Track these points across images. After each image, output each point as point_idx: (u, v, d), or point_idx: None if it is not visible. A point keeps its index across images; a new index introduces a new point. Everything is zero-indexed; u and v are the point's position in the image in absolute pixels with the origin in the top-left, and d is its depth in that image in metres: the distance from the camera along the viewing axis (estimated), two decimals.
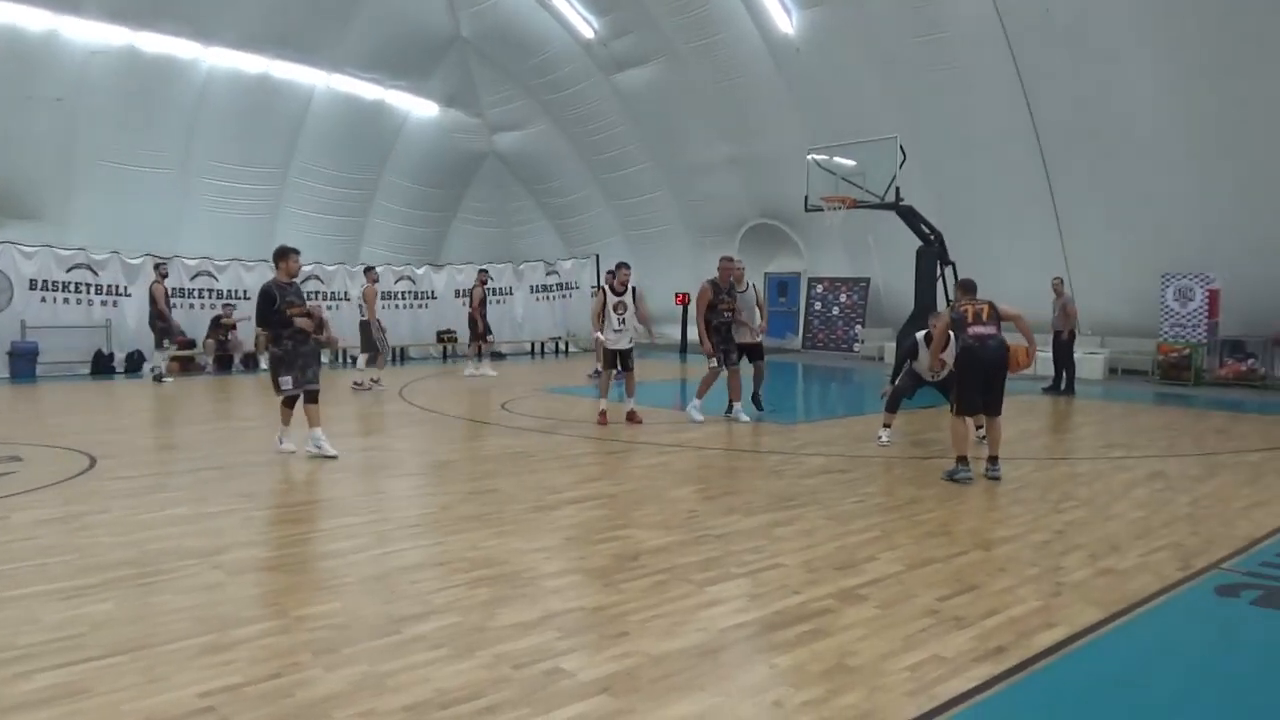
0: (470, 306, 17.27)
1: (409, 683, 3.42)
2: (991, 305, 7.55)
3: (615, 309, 10.65)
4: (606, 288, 10.93)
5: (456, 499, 6.64)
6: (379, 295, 15.87)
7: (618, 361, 10.71)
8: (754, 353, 11.11)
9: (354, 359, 16.83)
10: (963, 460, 7.45)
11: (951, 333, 7.74)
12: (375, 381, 14.59)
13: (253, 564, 4.97)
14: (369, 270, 16.06)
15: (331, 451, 8.28)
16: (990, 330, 7.38)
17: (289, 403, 8.44)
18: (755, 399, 11.14)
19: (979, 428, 8.90)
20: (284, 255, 8.42)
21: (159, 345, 15.78)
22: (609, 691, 3.36)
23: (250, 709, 3.21)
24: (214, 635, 3.88)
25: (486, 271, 18.40)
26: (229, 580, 4.66)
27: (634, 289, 10.96)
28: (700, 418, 10.54)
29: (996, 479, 7.41)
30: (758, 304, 11.30)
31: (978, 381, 7.44)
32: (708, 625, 4.06)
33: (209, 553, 5.13)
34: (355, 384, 14.46)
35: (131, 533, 5.56)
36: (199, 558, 5.03)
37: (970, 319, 7.47)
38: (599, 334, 10.78)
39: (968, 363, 7.45)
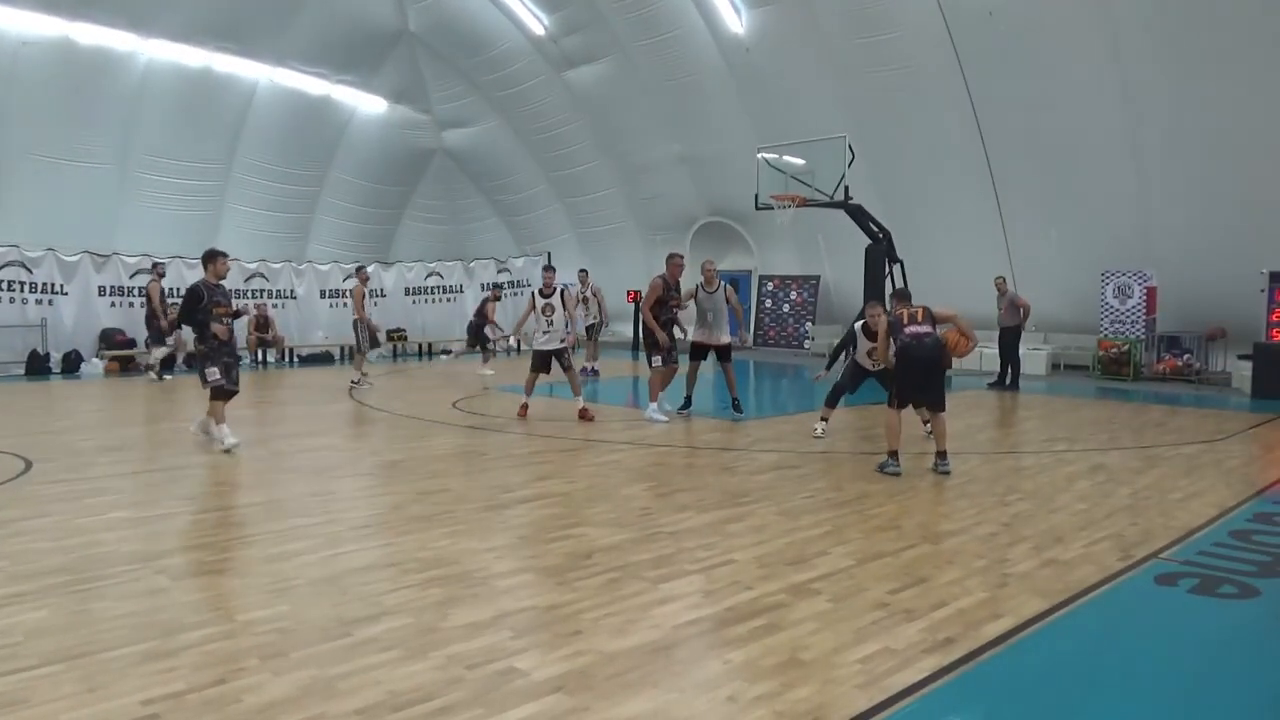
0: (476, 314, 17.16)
1: (360, 686, 3.37)
2: (926, 309, 7.78)
3: (544, 311, 10.90)
4: (535, 291, 11.15)
5: (407, 499, 6.56)
6: (367, 295, 15.75)
7: (549, 363, 10.92)
8: (723, 354, 10.86)
9: (297, 357, 16.53)
10: (894, 454, 7.63)
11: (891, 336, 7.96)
12: (364, 377, 14.38)
13: (197, 568, 4.86)
14: (360, 270, 15.91)
15: (231, 443, 8.43)
16: (925, 329, 7.58)
17: (221, 395, 8.51)
18: (735, 403, 10.92)
19: (925, 422, 9.07)
20: (212, 258, 8.62)
21: (158, 343, 15.96)
22: (563, 690, 3.35)
23: (195, 716, 3.13)
24: (156, 641, 3.78)
25: (500, 287, 18.67)
26: (172, 585, 4.54)
27: (563, 289, 11.31)
28: (663, 417, 10.50)
29: (946, 473, 7.54)
30: (732, 305, 10.88)
31: (915, 378, 7.63)
32: (661, 622, 4.07)
33: (151, 557, 5.00)
34: (352, 383, 14.24)
35: (69, 537, 5.40)
36: (140, 562, 4.90)
37: (905, 320, 7.72)
38: (501, 332, 10.96)
39: (905, 359, 7.63)
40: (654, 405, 10.64)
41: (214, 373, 8.39)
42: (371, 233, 24.05)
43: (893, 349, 7.95)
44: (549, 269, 11.72)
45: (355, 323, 14.68)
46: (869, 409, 11.84)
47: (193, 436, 8.77)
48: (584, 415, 10.60)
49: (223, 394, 8.50)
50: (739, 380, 11.94)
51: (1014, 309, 14.42)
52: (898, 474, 7.49)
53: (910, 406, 8.02)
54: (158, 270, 16.15)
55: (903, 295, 8.29)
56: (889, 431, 7.73)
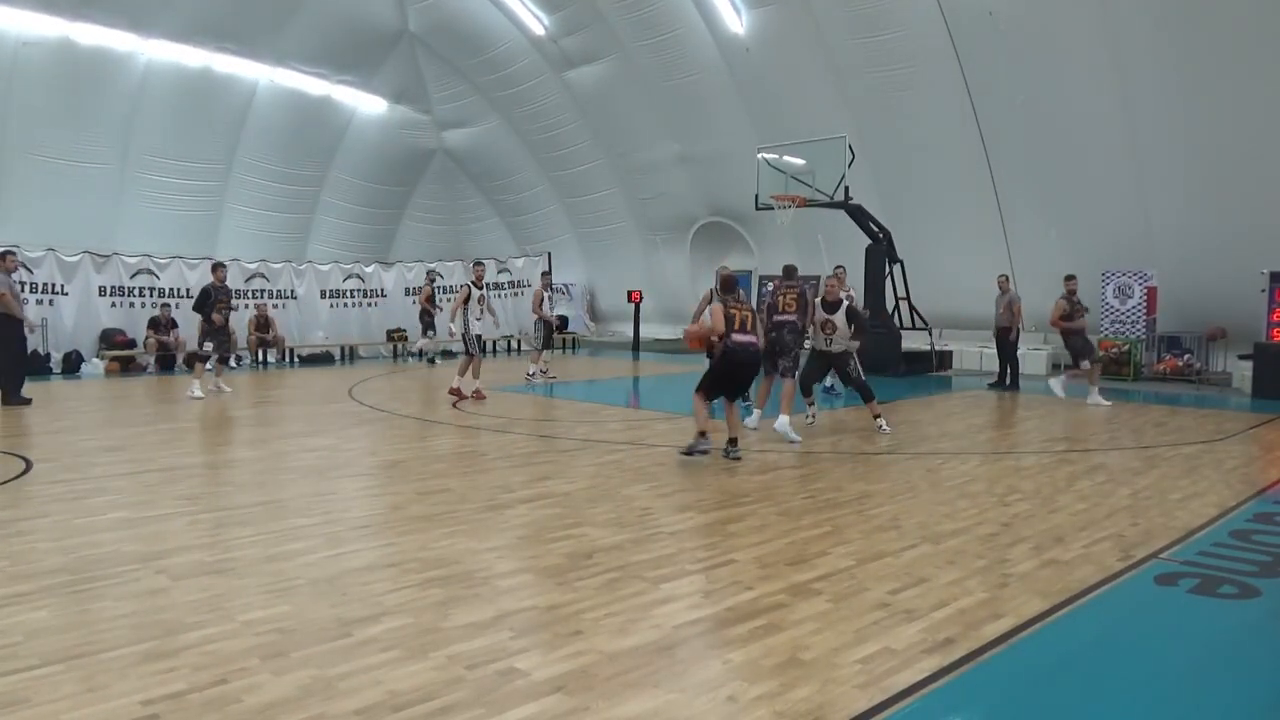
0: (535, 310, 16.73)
1: (360, 686, 3.37)
2: (754, 314, 8.29)
3: (479, 301, 12.65)
4: (470, 284, 12.76)
5: (407, 499, 6.56)
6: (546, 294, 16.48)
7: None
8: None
9: (298, 358, 16.43)
10: (703, 435, 8.00)
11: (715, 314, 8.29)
12: (543, 372, 15.57)
13: (197, 568, 4.85)
14: (477, 264, 15.48)
15: (198, 395, 12.40)
16: (751, 339, 8.09)
17: (203, 360, 12.99)
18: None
19: (811, 403, 10.30)
20: (214, 269, 13.59)
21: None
22: (563, 690, 3.35)
23: (195, 716, 3.13)
24: (156, 642, 3.78)
25: (549, 274, 18.53)
26: (172, 585, 4.54)
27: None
28: (796, 437, 9.14)
29: (737, 459, 7.95)
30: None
31: (727, 383, 8.27)
32: (661, 622, 4.06)
33: (151, 557, 5.00)
34: (529, 375, 15.30)
35: (69, 538, 5.40)
36: (140, 563, 4.90)
37: (737, 325, 8.07)
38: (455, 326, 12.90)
39: (728, 361, 8.10)
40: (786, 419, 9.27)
41: (208, 345, 12.94)
42: (371, 233, 24.07)
43: (846, 328, 9.74)
44: (479, 264, 13.94)
45: (536, 321, 15.89)
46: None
47: (214, 393, 12.76)
48: (477, 395, 12.36)
49: (202, 360, 12.96)
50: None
51: (1010, 310, 14.40)
52: (706, 452, 7.95)
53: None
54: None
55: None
56: (697, 415, 8.14)
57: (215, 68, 19.10)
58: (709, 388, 8.30)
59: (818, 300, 9.98)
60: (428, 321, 19.73)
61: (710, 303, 10.58)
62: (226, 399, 12.70)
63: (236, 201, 20.61)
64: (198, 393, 12.37)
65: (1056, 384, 12.94)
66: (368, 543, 5.42)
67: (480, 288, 12.81)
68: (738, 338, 8.07)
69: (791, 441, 8.85)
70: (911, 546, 5.35)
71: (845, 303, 10.14)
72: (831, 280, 10.19)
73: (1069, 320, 12.65)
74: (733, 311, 8.13)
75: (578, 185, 24.28)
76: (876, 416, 9.81)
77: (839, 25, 17.19)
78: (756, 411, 9.96)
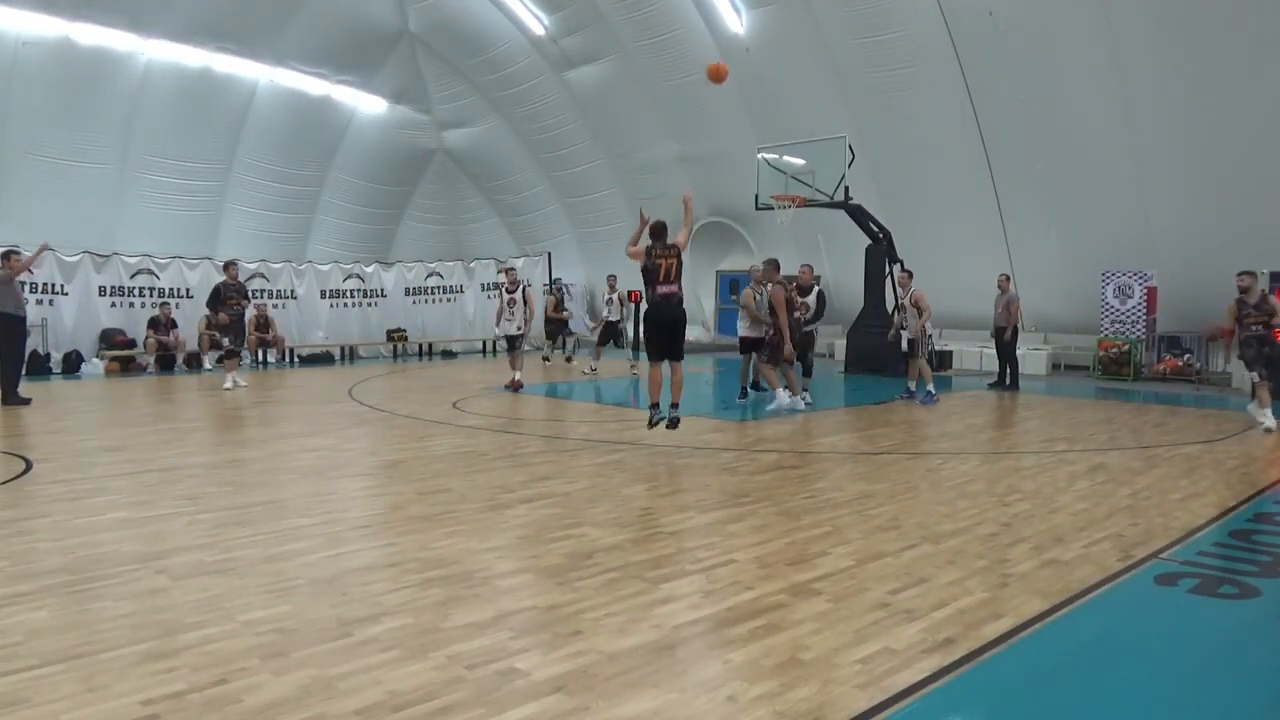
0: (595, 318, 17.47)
1: (360, 686, 3.37)
2: (679, 261, 8.26)
3: (509, 303, 13.88)
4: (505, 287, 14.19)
5: (407, 499, 6.56)
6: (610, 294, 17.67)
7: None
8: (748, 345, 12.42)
9: (298, 358, 16.47)
10: (654, 406, 8.49)
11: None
12: (593, 371, 16.66)
13: (197, 568, 4.85)
14: (609, 277, 17.69)
15: (230, 385, 13.65)
16: (673, 289, 8.18)
17: (230, 356, 14.07)
18: (756, 385, 12.85)
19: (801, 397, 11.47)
20: (226, 267, 14.67)
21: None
22: (563, 690, 3.35)
23: (195, 716, 3.13)
24: (156, 642, 3.78)
25: (615, 276, 18.34)
26: (172, 585, 4.54)
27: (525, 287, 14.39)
28: (802, 405, 11.57)
29: (676, 422, 8.42)
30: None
31: (660, 337, 8.46)
32: (662, 622, 4.06)
33: (151, 557, 5.00)
34: (585, 371, 16.55)
35: (69, 537, 5.40)
36: (140, 562, 4.90)
37: (660, 277, 8.15)
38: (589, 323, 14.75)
39: (646, 317, 8.48)
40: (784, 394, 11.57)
41: (226, 340, 14.13)
42: (371, 233, 24.05)
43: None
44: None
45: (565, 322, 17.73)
46: (868, 409, 11.86)
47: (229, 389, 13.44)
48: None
49: (231, 355, 14.07)
50: (727, 378, 13.43)
51: (1008, 309, 14.33)
52: (661, 420, 8.40)
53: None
54: (557, 290, 17.38)
55: (657, 232, 8.65)
56: (652, 385, 8.60)
57: (215, 68, 19.09)
58: (649, 350, 8.67)
59: (794, 287, 11.97)
60: (554, 330, 19.92)
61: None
62: (229, 397, 12.73)
63: (236, 201, 20.60)
64: (238, 382, 13.81)
65: (1265, 415, 10.23)
66: (368, 543, 5.42)
67: (512, 291, 13.90)
68: (660, 289, 8.08)
69: (796, 411, 10.00)
70: (911, 546, 5.35)
71: (817, 287, 12.74)
72: (805, 268, 13.02)
73: (1242, 325, 10.43)
74: (657, 261, 8.05)
75: (578, 185, 24.28)
76: (804, 390, 11.92)
77: (839, 25, 17.19)
78: (782, 392, 11.24)
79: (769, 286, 11.55)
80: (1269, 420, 10.11)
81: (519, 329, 13.83)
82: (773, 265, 11.70)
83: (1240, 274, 10.54)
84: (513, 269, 15.04)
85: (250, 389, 13.87)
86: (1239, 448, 9.05)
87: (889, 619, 4.13)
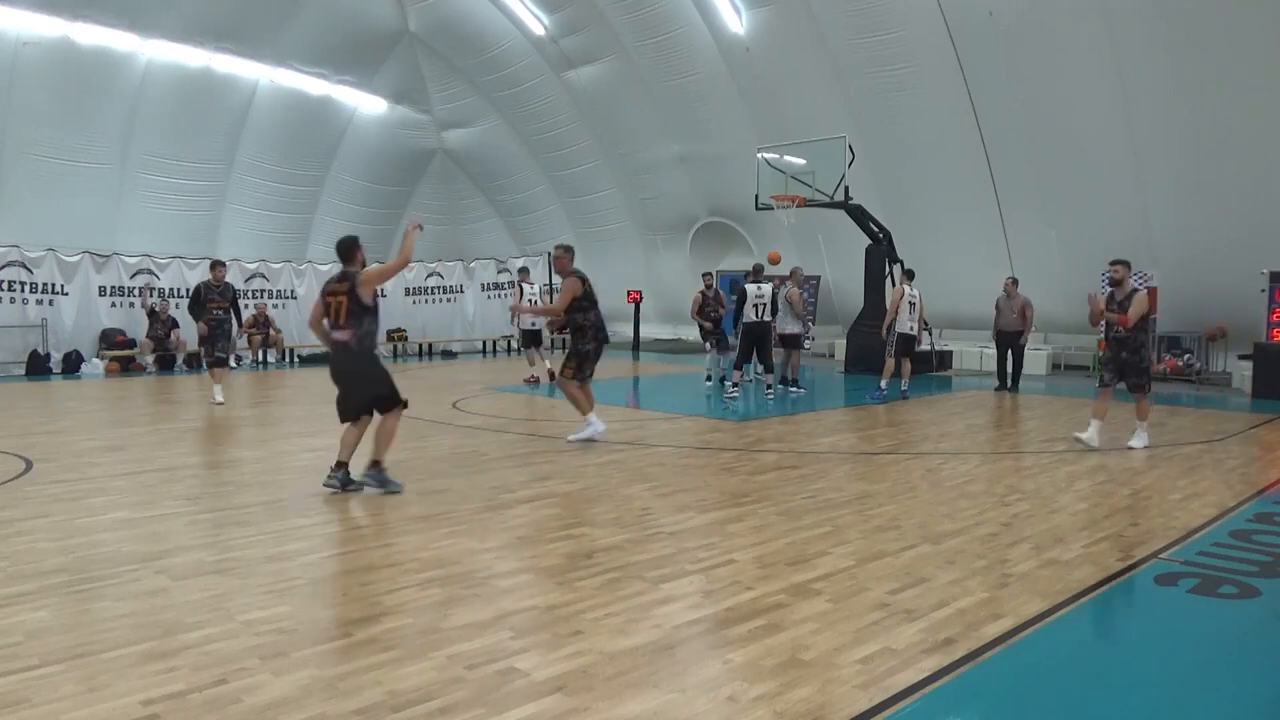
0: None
1: (360, 686, 3.37)
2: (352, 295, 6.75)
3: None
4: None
5: (407, 499, 6.56)
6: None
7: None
8: (791, 341, 13.55)
9: (298, 358, 16.43)
10: (340, 465, 6.76)
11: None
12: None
13: (197, 568, 4.85)
14: (755, 276, 14.43)
15: (221, 400, 11.83)
16: (343, 336, 6.72)
17: (218, 365, 12.08)
18: (795, 381, 13.53)
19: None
20: (212, 266, 12.45)
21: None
22: (563, 690, 3.35)
23: (195, 716, 3.13)
24: (156, 642, 3.78)
25: (710, 274, 16.01)
26: (172, 585, 4.54)
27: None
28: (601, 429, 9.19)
29: (357, 485, 6.80)
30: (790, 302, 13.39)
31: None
32: (661, 622, 4.06)
33: (151, 557, 5.00)
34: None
35: (69, 537, 5.40)
36: (140, 563, 4.90)
37: (330, 317, 6.83)
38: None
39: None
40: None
41: (209, 350, 12.12)
42: (372, 233, 23.92)
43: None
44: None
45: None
46: (868, 409, 11.86)
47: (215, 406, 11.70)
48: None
49: (216, 364, 12.05)
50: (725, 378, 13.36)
51: (1023, 315, 14.08)
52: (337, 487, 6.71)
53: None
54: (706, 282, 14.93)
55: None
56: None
57: (215, 68, 19.08)
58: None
59: (783, 293, 12.93)
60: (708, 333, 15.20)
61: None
62: (220, 409, 12.52)
63: (236, 201, 20.60)
64: (216, 398, 11.72)
65: (1090, 430, 8.95)
66: (367, 543, 5.43)
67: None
68: (333, 334, 6.81)
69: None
70: (911, 546, 5.36)
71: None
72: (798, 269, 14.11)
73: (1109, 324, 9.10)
74: (326, 299, 6.83)
75: (578, 185, 24.28)
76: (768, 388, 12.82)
77: (839, 25, 17.18)
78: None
79: (790, 287, 13.10)
80: (1090, 436, 8.80)
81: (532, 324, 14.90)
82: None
83: (1113, 263, 9.00)
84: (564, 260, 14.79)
85: (228, 406, 11.80)
86: (1239, 448, 9.05)
87: (889, 619, 4.13)
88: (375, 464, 6.74)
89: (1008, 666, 3.68)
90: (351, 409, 6.89)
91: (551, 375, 13.99)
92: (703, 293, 14.68)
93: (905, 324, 12.93)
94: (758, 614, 4.18)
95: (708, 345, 14.65)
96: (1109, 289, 9.27)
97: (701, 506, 6.35)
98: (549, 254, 24.11)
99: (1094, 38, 14.58)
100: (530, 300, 15.38)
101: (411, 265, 22.63)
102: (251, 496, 6.70)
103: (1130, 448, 8.81)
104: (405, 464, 7.98)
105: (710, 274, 15.34)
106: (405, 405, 6.93)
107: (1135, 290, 8.88)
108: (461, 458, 8.28)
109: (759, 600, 4.37)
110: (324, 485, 6.74)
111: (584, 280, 8.90)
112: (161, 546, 5.24)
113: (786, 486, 7.05)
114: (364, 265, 6.98)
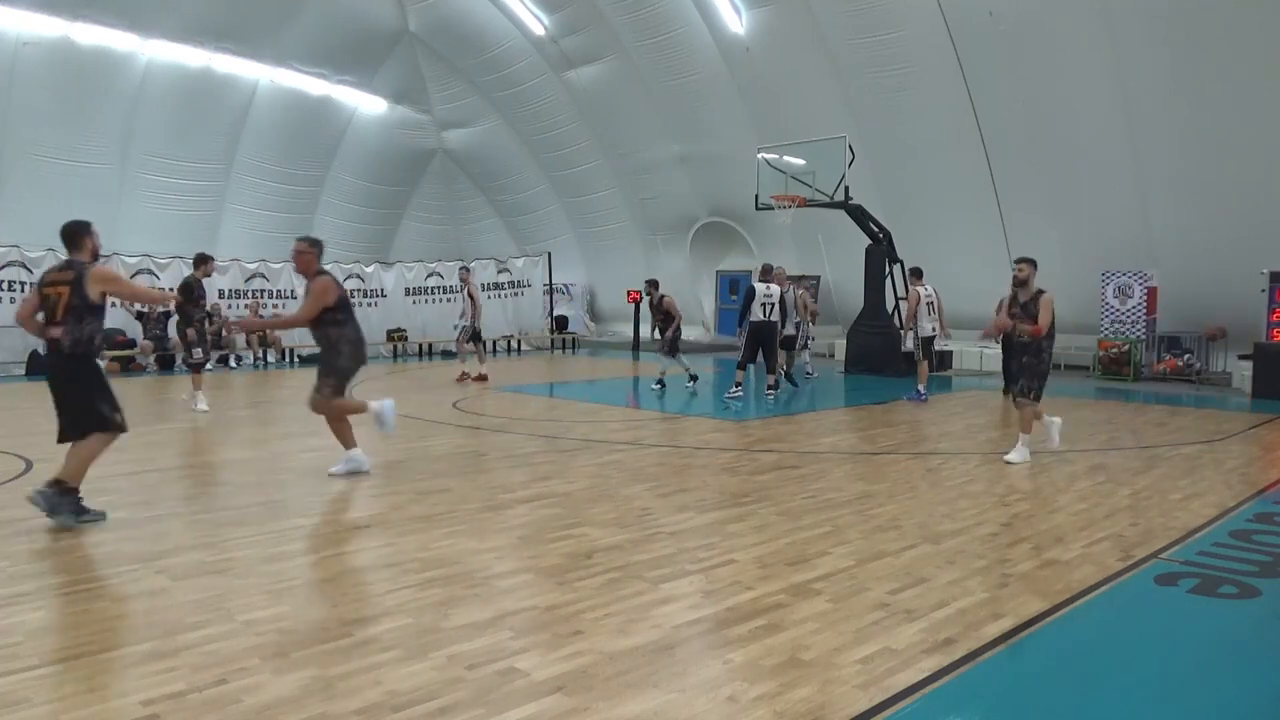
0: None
1: (360, 686, 3.37)
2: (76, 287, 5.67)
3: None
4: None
5: (407, 499, 6.56)
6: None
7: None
8: (786, 342, 13.87)
9: (298, 358, 16.48)
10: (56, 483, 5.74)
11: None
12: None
13: (197, 568, 4.85)
14: (764, 276, 14.21)
15: (204, 408, 11.15)
16: (55, 333, 5.64)
17: (199, 368, 11.42)
18: (789, 377, 13.83)
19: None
20: (204, 261, 11.74)
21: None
22: (563, 690, 3.35)
23: (195, 716, 3.13)
24: (156, 642, 3.78)
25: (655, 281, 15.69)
26: (172, 585, 4.54)
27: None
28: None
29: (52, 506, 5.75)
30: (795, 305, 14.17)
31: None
32: (662, 622, 4.06)
33: (150, 557, 5.00)
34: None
35: (69, 537, 5.40)
36: (140, 562, 4.90)
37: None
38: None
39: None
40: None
41: (198, 353, 11.44)
42: (371, 233, 24.05)
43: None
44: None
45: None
46: (868, 409, 11.86)
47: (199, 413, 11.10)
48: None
49: (197, 368, 11.43)
50: (725, 378, 13.30)
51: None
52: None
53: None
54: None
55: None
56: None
57: (215, 68, 19.08)
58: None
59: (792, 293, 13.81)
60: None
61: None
62: (218, 405, 12.61)
63: (236, 201, 20.60)
64: (198, 404, 11.11)
65: (1019, 448, 8.25)
66: (367, 543, 5.42)
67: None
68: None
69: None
70: (911, 546, 5.35)
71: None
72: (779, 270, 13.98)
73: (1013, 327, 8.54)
74: (44, 290, 5.74)
75: (578, 185, 24.28)
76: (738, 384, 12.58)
77: (839, 25, 17.18)
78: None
79: (796, 290, 13.87)
80: (1018, 455, 8.14)
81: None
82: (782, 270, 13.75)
83: (1018, 261, 8.46)
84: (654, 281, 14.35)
85: (228, 406, 12.00)
86: (1239, 448, 9.05)
87: (889, 619, 4.13)
88: (58, 482, 5.64)
89: (1008, 666, 3.68)
90: (66, 425, 5.77)
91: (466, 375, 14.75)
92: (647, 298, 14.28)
93: (926, 327, 12.78)
94: (758, 614, 4.18)
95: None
96: (1013, 289, 8.44)
97: (701, 506, 6.35)
98: (548, 254, 24.28)
99: (1094, 38, 14.57)
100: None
101: (411, 265, 22.63)
102: (251, 496, 6.70)
103: (1008, 462, 8.04)
104: (406, 464, 7.98)
105: (655, 280, 14.53)
106: (122, 430, 5.87)
107: (1040, 292, 8.25)
108: (462, 458, 8.28)
109: (759, 600, 4.37)
110: (28, 499, 5.67)
111: (338, 284, 7.32)
112: (161, 546, 5.24)
113: (787, 486, 7.05)
114: (95, 255, 5.99)
